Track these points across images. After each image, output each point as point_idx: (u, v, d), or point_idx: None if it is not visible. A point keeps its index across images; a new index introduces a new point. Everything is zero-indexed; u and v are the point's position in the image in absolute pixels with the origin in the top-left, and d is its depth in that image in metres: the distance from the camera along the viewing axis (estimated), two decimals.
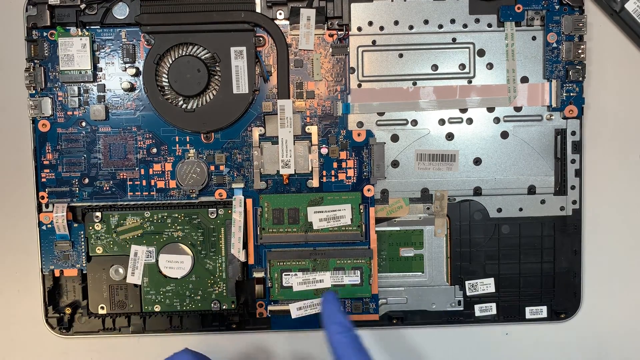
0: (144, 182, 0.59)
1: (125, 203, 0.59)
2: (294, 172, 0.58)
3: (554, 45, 0.58)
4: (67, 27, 0.57)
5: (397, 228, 0.60)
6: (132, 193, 0.59)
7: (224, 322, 0.60)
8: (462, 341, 0.61)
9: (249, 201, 0.58)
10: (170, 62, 0.57)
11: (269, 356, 0.61)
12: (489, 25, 0.58)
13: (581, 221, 0.60)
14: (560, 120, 0.59)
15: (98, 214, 0.58)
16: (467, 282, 0.60)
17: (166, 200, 0.59)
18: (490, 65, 0.58)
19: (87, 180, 0.58)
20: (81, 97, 0.58)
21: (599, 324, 0.61)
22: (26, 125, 0.59)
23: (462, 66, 0.58)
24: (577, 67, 0.58)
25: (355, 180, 0.59)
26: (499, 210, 0.59)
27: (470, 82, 0.59)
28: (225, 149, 0.59)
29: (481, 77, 0.59)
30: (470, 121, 0.59)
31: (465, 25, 0.58)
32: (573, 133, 0.59)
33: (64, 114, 0.58)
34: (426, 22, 0.58)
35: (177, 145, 0.58)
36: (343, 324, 0.48)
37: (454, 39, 0.58)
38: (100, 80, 0.58)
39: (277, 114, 0.58)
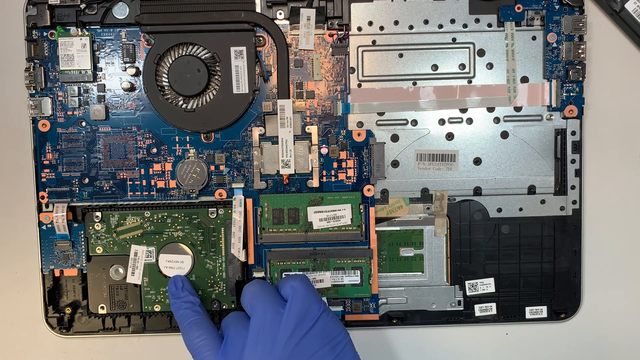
0: (144, 182, 0.59)
1: (125, 203, 0.59)
2: (294, 172, 0.58)
3: (554, 45, 0.58)
4: (67, 27, 0.57)
5: (397, 228, 0.60)
6: (132, 193, 0.59)
7: None
8: (462, 341, 0.61)
9: (249, 201, 0.58)
10: (170, 62, 0.57)
11: None
12: (489, 25, 0.58)
13: (581, 221, 0.60)
14: (560, 120, 0.59)
15: (98, 213, 0.58)
16: (467, 282, 0.60)
17: (166, 200, 0.59)
18: (490, 65, 0.58)
19: (87, 180, 0.58)
20: (81, 97, 0.58)
21: (599, 324, 0.61)
22: (26, 125, 0.59)
23: (462, 66, 0.58)
24: (577, 67, 0.58)
25: (355, 180, 0.59)
26: (499, 210, 0.59)
27: (470, 82, 0.59)
28: (225, 149, 0.59)
29: (481, 77, 0.59)
30: (470, 121, 0.59)
31: (465, 25, 0.58)
32: (573, 133, 0.59)
33: (64, 114, 0.58)
34: (426, 22, 0.58)
35: (177, 145, 0.59)
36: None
37: (454, 39, 0.58)
38: (100, 80, 0.58)
39: (277, 114, 0.58)
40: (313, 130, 0.58)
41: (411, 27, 0.58)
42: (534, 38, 0.58)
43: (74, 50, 0.57)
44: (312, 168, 0.58)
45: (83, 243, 0.59)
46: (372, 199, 0.59)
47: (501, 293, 0.60)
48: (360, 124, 0.59)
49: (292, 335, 0.49)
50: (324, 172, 0.59)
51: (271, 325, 0.50)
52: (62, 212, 0.58)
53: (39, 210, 0.58)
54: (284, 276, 0.57)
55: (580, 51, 0.58)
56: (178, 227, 0.58)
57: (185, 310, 0.54)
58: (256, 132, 0.58)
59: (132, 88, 0.58)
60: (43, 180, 0.58)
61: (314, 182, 0.58)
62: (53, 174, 0.58)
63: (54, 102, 0.58)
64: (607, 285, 0.61)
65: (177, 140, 0.58)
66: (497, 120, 0.59)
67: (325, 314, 0.51)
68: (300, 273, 0.57)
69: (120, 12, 0.58)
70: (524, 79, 0.59)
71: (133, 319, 0.60)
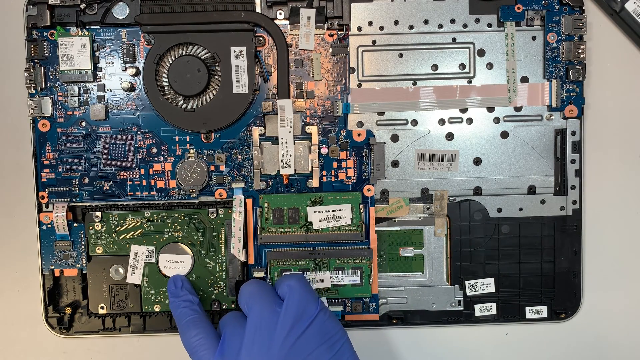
0: (144, 182, 0.59)
1: (125, 203, 0.59)
2: (294, 172, 0.58)
3: (554, 45, 0.58)
4: (67, 27, 0.57)
5: (397, 228, 0.60)
6: (132, 193, 0.59)
7: None
8: (462, 341, 0.61)
9: (249, 201, 0.58)
10: (170, 62, 0.57)
11: None
12: (489, 25, 0.58)
13: (581, 221, 0.60)
14: (560, 120, 0.59)
15: (98, 213, 0.58)
16: (467, 282, 0.60)
17: (166, 200, 0.59)
18: (490, 65, 0.58)
19: (87, 180, 0.58)
20: (81, 97, 0.58)
21: (599, 324, 0.61)
22: (26, 125, 0.59)
23: (462, 66, 0.58)
24: (577, 67, 0.58)
25: (355, 180, 0.59)
26: (499, 210, 0.59)
27: (470, 82, 0.59)
28: (225, 149, 0.59)
29: (481, 77, 0.59)
30: (470, 121, 0.59)
31: (465, 25, 0.58)
32: (573, 133, 0.59)
33: (64, 114, 0.58)
34: (426, 22, 0.58)
35: (177, 145, 0.59)
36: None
37: (454, 39, 0.58)
38: (100, 80, 0.58)
39: (277, 114, 0.58)
40: (313, 130, 0.58)
41: (411, 27, 0.58)
42: (534, 38, 0.58)
43: (74, 50, 0.57)
44: (312, 168, 0.58)
45: (83, 243, 0.59)
46: (372, 199, 0.59)
47: (501, 293, 0.60)
48: (360, 124, 0.59)
49: (289, 334, 0.49)
50: (324, 172, 0.59)
51: (268, 324, 0.50)
52: (62, 212, 0.58)
53: (39, 210, 0.58)
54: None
55: (580, 51, 0.58)
56: (178, 227, 0.58)
57: (183, 309, 0.54)
58: (256, 132, 0.58)
59: (132, 88, 0.58)
60: (43, 180, 0.58)
61: (314, 182, 0.58)
62: (53, 174, 0.58)
63: (54, 102, 0.58)
64: (607, 285, 0.61)
65: (177, 140, 0.58)
66: (497, 120, 0.59)
67: (323, 312, 0.51)
68: (298, 272, 0.57)
69: (120, 12, 0.58)
70: (524, 79, 0.59)
71: (133, 319, 0.60)
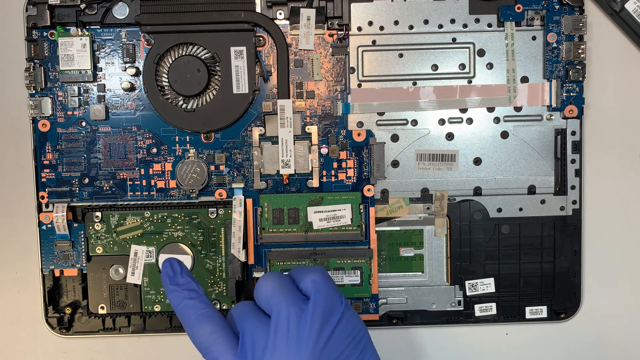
0: (144, 182, 0.59)
1: (125, 203, 0.59)
2: (294, 172, 0.58)
3: (554, 45, 0.58)
4: (67, 27, 0.57)
5: (397, 228, 0.60)
6: (132, 193, 0.59)
7: None
8: (462, 341, 0.61)
9: (249, 201, 0.58)
10: (170, 62, 0.57)
11: None
12: (489, 25, 0.58)
13: (581, 221, 0.60)
14: (560, 120, 0.59)
15: (98, 213, 0.58)
16: (467, 282, 0.60)
17: (166, 200, 0.59)
18: (490, 65, 0.58)
19: (87, 180, 0.58)
20: (81, 97, 0.58)
21: (599, 324, 0.61)
22: (26, 125, 0.59)
23: (462, 66, 0.58)
24: (577, 67, 0.58)
25: (355, 180, 0.59)
26: (499, 210, 0.59)
27: (470, 82, 0.59)
28: (225, 149, 0.59)
29: (481, 77, 0.59)
30: (470, 121, 0.59)
31: (465, 25, 0.58)
32: (573, 133, 0.59)
33: (64, 114, 0.58)
34: (426, 22, 0.58)
35: (177, 145, 0.59)
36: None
37: (454, 39, 0.58)
38: (100, 80, 0.58)
39: (277, 114, 0.58)
40: (313, 130, 0.58)
41: (411, 27, 0.58)
42: (534, 38, 0.58)
43: (74, 50, 0.57)
44: (312, 168, 0.58)
45: (83, 243, 0.59)
46: (372, 199, 0.59)
47: (501, 293, 0.60)
48: (360, 124, 0.59)
49: (320, 334, 0.44)
50: (324, 172, 0.59)
51: (296, 324, 0.44)
52: (62, 212, 0.58)
53: (39, 210, 0.58)
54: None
55: (580, 51, 0.58)
56: (178, 227, 0.58)
57: (190, 300, 0.46)
58: (256, 132, 0.58)
59: (132, 88, 0.58)
60: (43, 180, 0.58)
61: (314, 182, 0.58)
62: (53, 174, 0.58)
63: (54, 102, 0.58)
64: (607, 285, 0.61)
65: (177, 140, 0.58)
66: (497, 120, 0.59)
67: (347, 309, 0.46)
68: (319, 266, 0.55)
69: (120, 12, 0.58)
70: (524, 79, 0.59)
71: (133, 319, 0.60)
